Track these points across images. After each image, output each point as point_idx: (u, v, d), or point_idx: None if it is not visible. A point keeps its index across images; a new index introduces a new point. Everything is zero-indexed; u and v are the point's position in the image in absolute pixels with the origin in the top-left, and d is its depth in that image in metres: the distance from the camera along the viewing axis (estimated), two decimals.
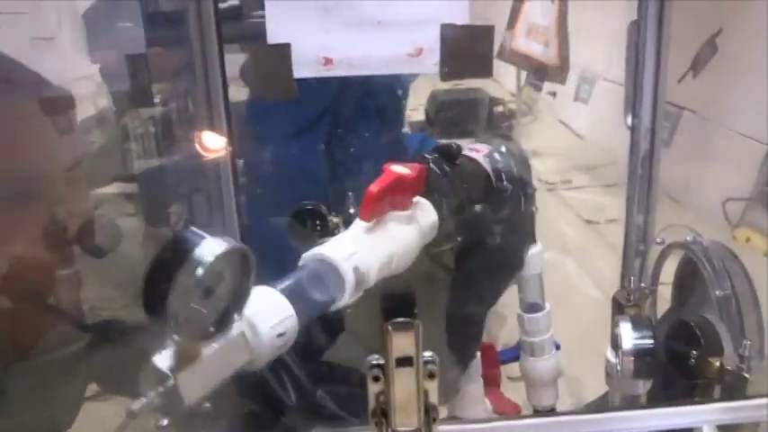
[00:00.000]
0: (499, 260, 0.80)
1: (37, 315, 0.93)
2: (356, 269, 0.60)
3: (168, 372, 0.46)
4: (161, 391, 0.45)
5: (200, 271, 0.43)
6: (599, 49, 3.59)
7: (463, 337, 0.78)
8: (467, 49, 1.15)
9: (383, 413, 0.41)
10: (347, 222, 1.12)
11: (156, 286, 0.43)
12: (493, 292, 0.82)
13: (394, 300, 0.38)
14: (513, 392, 1.19)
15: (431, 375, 0.40)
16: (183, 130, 1.76)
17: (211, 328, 0.47)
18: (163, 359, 0.47)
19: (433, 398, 0.41)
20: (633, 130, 1.26)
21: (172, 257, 0.44)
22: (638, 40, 1.20)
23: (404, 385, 0.39)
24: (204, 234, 0.45)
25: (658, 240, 1.19)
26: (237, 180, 1.27)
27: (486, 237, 0.80)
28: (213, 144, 1.23)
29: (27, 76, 0.93)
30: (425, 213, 0.72)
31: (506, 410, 1.06)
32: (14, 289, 0.84)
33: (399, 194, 0.67)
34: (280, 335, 0.52)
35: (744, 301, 0.99)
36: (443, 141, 0.89)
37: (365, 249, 0.63)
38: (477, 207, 0.81)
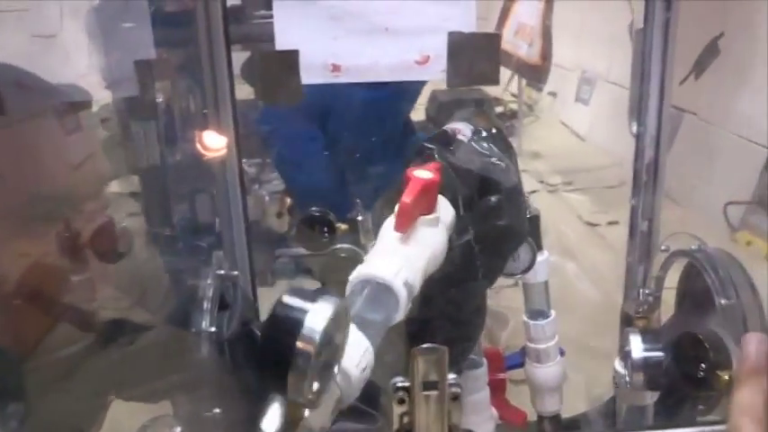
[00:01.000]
0: (502, 231, 0.79)
1: (49, 317, 0.94)
2: (406, 283, 0.60)
3: None
4: None
5: (318, 340, 0.43)
6: (600, 51, 3.60)
7: (466, 315, 0.77)
8: (474, 57, 1.16)
9: None
10: (353, 228, 1.13)
11: (272, 360, 0.43)
12: (496, 265, 0.81)
13: (418, 324, 0.39)
14: (516, 397, 1.20)
15: (455, 398, 0.41)
16: (189, 130, 1.77)
17: (315, 385, 0.47)
18: (270, 424, 0.47)
19: (456, 419, 0.41)
20: (638, 137, 1.27)
21: (283, 334, 0.43)
22: (643, 48, 1.20)
23: (429, 407, 0.40)
24: (305, 300, 0.45)
25: (663, 248, 1.20)
26: (244, 179, 1.27)
27: (491, 215, 0.80)
28: (218, 143, 1.24)
29: (40, 85, 0.94)
30: (445, 210, 0.73)
31: (513, 418, 1.07)
32: (30, 292, 0.85)
33: (427, 199, 0.68)
34: (363, 370, 0.52)
35: (749, 310, 1.00)
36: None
37: (407, 261, 0.63)
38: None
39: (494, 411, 0.99)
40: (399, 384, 0.41)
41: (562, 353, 1.11)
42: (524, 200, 0.84)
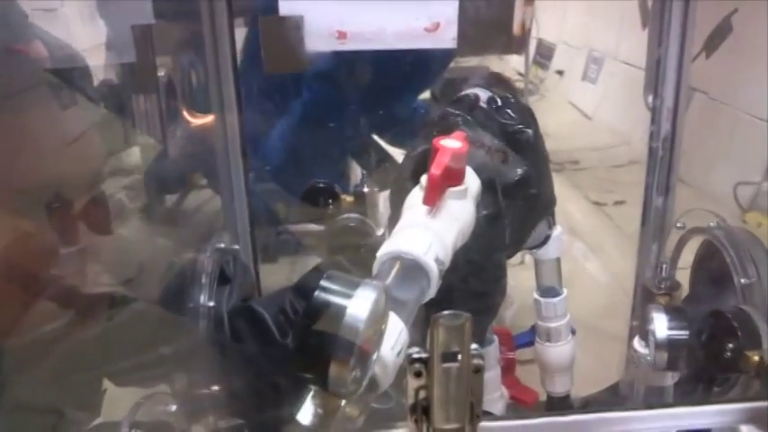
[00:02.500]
0: (532, 200, 0.76)
1: (38, 293, 0.91)
2: (437, 260, 0.58)
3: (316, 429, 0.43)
4: None
5: (359, 334, 0.41)
6: (609, 29, 3.54)
7: (489, 284, 0.74)
8: (486, 24, 1.12)
9: (424, 410, 0.38)
10: (359, 201, 1.09)
11: (310, 353, 0.42)
12: (521, 235, 0.78)
13: (438, 294, 0.36)
14: (522, 378, 1.16)
15: (477, 370, 0.37)
16: (190, 105, 1.73)
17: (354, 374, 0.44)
18: (305, 416, 0.44)
19: (477, 394, 0.38)
20: (654, 111, 1.23)
21: (326, 321, 0.41)
22: (662, 15, 1.16)
23: (449, 381, 0.36)
24: (346, 287, 0.42)
25: (678, 225, 1.16)
26: (246, 154, 1.24)
27: (519, 183, 0.76)
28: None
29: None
30: (472, 180, 0.70)
31: (524, 397, 1.04)
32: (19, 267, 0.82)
33: (455, 170, 0.65)
34: (398, 354, 0.49)
35: None
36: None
37: (437, 237, 0.60)
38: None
39: (504, 390, 0.96)
40: (415, 356, 0.37)
41: (573, 332, 1.08)
42: (549, 168, 0.80)
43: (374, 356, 0.45)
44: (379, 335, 0.45)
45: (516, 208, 0.73)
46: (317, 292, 0.42)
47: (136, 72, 1.56)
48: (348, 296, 0.42)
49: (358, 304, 0.41)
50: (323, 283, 0.43)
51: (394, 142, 1.61)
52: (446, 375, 0.36)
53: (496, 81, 0.87)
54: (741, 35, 2.38)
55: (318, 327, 0.41)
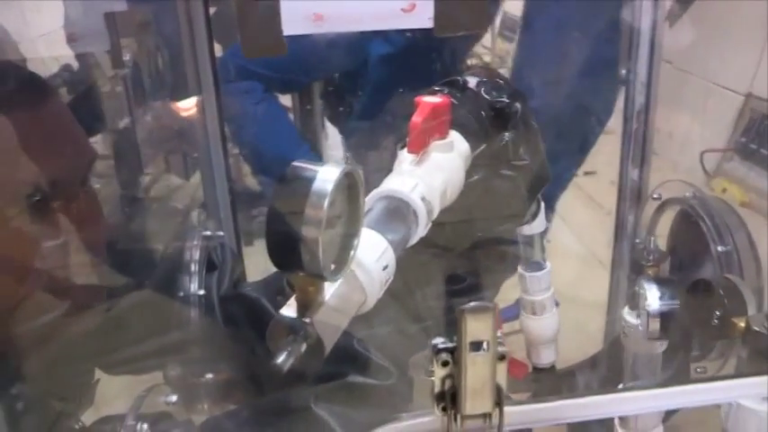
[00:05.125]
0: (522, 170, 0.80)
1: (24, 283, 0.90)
2: (424, 199, 0.61)
3: (302, 319, 0.44)
4: (300, 339, 0.43)
5: (326, 201, 0.41)
6: None
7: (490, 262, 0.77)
8: (460, 2, 1.12)
9: (452, 398, 0.39)
10: None
11: (281, 226, 0.41)
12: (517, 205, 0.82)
13: (459, 281, 0.37)
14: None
15: (502, 358, 0.38)
16: (167, 90, 1.70)
17: (332, 266, 0.45)
18: (290, 310, 0.45)
19: (501, 379, 0.39)
20: (627, 84, 1.25)
21: (293, 194, 0.41)
22: None
23: (476, 370, 0.38)
24: (313, 165, 0.43)
25: (655, 196, 1.19)
26: (225, 139, 1.23)
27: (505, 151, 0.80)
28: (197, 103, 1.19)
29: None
30: (460, 142, 0.73)
31: (514, 370, 1.06)
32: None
33: (438, 122, 0.69)
34: (384, 267, 0.51)
35: (744, 257, 1.00)
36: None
37: (422, 179, 0.63)
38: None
39: None
40: (442, 346, 0.39)
41: (557, 304, 1.10)
42: (541, 143, 0.83)
43: (354, 241, 0.47)
44: (355, 219, 0.46)
45: (506, 177, 0.76)
46: (284, 171, 0.43)
47: (104, 58, 1.53)
48: (315, 170, 0.42)
49: (325, 172, 0.42)
50: (291, 165, 0.43)
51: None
52: (474, 363, 0.37)
53: (486, 71, 0.89)
54: (705, 3, 2.42)
55: (287, 202, 0.42)
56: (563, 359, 1.23)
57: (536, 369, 1.10)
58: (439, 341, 0.39)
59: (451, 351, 0.38)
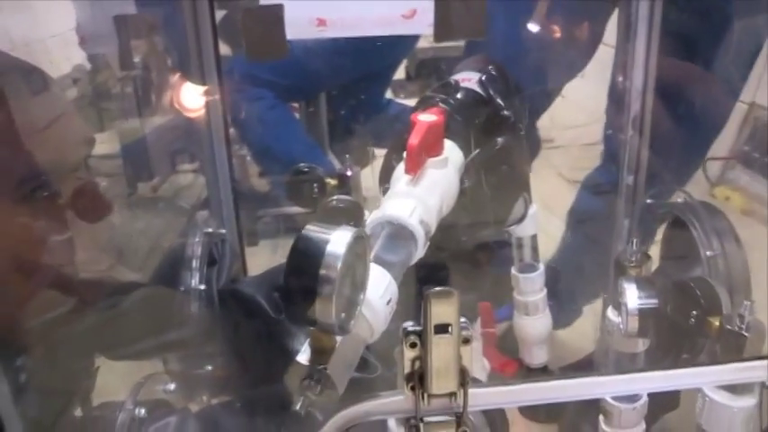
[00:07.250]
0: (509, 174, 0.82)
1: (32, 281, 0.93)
2: (422, 222, 0.63)
3: (318, 367, 0.46)
4: (315, 385, 0.46)
5: (339, 263, 0.44)
6: None
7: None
8: (459, 9, 1.15)
9: (419, 378, 0.42)
10: (344, 184, 1.13)
11: (298, 290, 0.44)
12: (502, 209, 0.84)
13: (429, 269, 0.39)
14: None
15: (466, 341, 0.41)
16: (172, 90, 1.73)
17: (343, 314, 0.47)
18: (304, 357, 0.47)
19: (467, 362, 0.42)
20: (624, 92, 1.27)
21: (308, 255, 0.44)
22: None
23: (441, 351, 0.40)
24: (326, 228, 0.46)
25: (649, 201, 1.22)
26: (229, 140, 1.26)
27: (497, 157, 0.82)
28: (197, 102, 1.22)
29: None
30: (454, 152, 0.75)
31: (506, 369, 1.08)
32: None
33: (433, 141, 0.71)
34: (388, 302, 0.53)
35: (732, 261, 1.02)
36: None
37: (420, 201, 0.65)
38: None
39: (486, 362, 1.00)
40: (411, 329, 0.41)
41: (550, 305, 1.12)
42: (526, 145, 0.85)
43: (361, 296, 0.49)
44: (363, 275, 0.49)
45: (496, 181, 0.78)
46: (297, 239, 0.45)
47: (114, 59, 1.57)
48: (328, 234, 0.45)
49: (336, 242, 0.44)
50: (305, 228, 0.46)
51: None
52: (438, 346, 0.40)
53: (488, 65, 0.91)
54: None
55: (301, 267, 0.44)
56: (559, 360, 1.25)
57: (528, 369, 1.12)
58: (408, 324, 0.42)
59: (419, 334, 0.41)
